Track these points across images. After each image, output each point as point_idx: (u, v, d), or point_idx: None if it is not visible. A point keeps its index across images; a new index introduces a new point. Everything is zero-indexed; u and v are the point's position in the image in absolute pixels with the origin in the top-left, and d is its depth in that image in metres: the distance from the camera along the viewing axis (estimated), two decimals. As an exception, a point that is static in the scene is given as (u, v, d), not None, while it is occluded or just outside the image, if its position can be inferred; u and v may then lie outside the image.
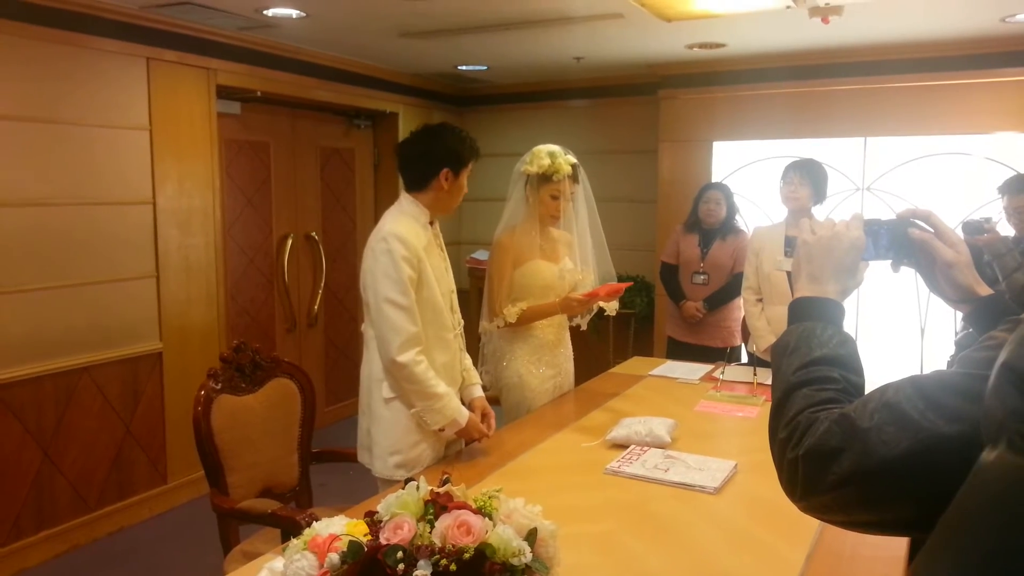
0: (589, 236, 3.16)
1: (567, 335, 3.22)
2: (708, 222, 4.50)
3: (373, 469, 2.51)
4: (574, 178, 3.01)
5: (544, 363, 3.06)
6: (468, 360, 2.73)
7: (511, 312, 2.94)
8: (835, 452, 0.88)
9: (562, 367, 3.17)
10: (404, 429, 2.44)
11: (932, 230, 1.13)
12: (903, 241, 1.14)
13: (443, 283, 2.54)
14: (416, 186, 2.51)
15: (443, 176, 2.47)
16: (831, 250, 1.12)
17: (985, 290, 1.11)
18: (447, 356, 2.54)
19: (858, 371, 1.03)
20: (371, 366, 2.48)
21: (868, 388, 0.98)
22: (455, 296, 2.64)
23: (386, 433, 2.46)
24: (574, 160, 3.01)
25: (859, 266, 1.13)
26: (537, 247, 3.04)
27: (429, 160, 2.47)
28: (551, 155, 2.93)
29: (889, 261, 1.16)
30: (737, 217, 4.63)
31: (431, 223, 2.55)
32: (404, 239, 2.36)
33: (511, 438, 2.67)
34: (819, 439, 0.90)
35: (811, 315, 1.09)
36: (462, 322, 2.69)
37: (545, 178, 2.94)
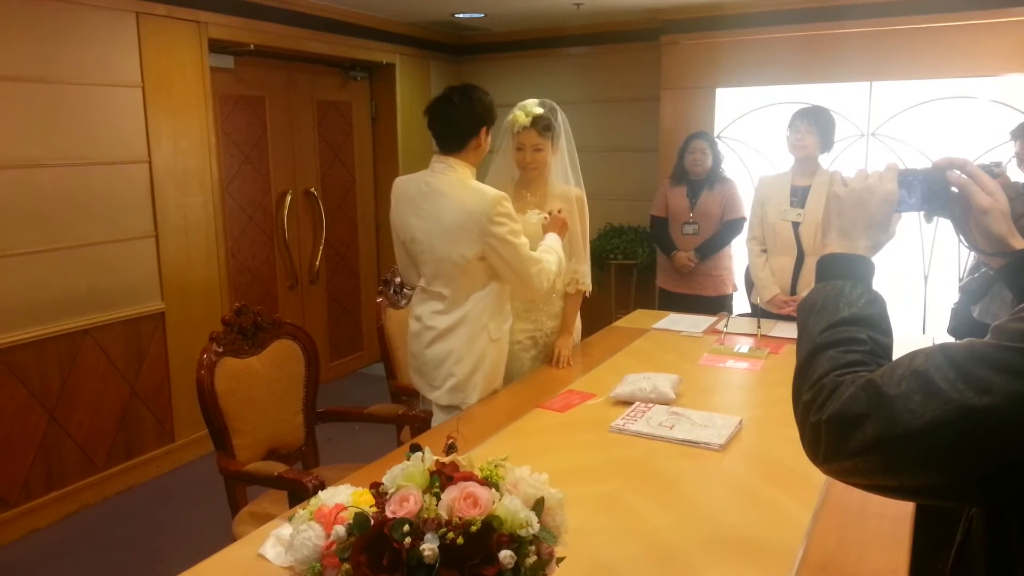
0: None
1: (552, 295, 3.02)
2: (695, 172, 4.51)
3: (466, 402, 2.64)
4: (540, 129, 2.85)
5: (512, 316, 2.84)
6: None
7: None
8: (859, 418, 0.86)
9: (543, 325, 3.02)
10: (497, 360, 2.72)
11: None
12: (938, 191, 1.10)
13: None
14: (456, 147, 2.61)
15: (483, 133, 2.62)
16: (864, 204, 1.08)
17: (1020, 242, 1.06)
18: None
19: (887, 331, 1.00)
20: (469, 322, 2.62)
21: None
22: None
23: (491, 368, 2.69)
24: (539, 111, 2.85)
25: (892, 219, 1.09)
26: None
27: (471, 119, 2.58)
28: (518, 107, 2.88)
29: (922, 212, 1.12)
30: (723, 165, 4.61)
31: None
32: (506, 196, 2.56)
33: (514, 396, 2.67)
34: (844, 404, 0.89)
35: (840, 272, 1.05)
36: None
37: (510, 132, 2.91)
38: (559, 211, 2.91)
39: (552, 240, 2.80)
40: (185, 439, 4.32)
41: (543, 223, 2.88)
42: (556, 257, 2.73)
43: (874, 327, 0.99)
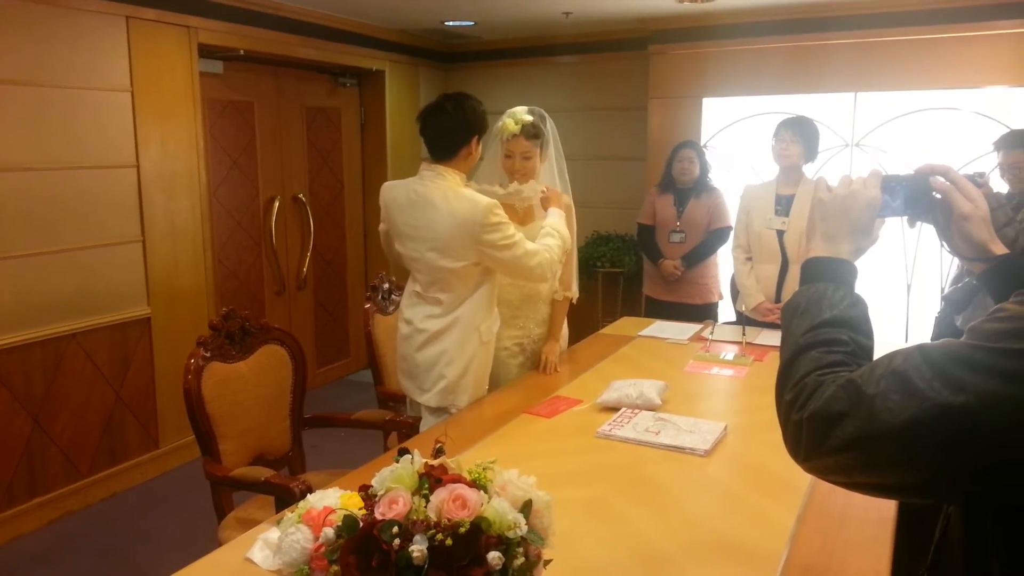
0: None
1: (539, 302, 3.06)
2: (682, 181, 4.56)
3: (456, 404, 2.67)
4: (529, 136, 2.87)
5: (499, 320, 2.88)
6: None
7: None
8: (839, 416, 0.88)
9: (530, 331, 3.04)
10: (484, 364, 2.76)
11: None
12: (920, 196, 1.12)
13: None
14: (447, 155, 2.63)
15: (474, 142, 2.64)
16: (847, 209, 1.11)
17: (1000, 249, 1.09)
18: None
19: (868, 333, 1.02)
20: (462, 324, 2.65)
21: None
22: None
23: (479, 370, 2.72)
24: (528, 118, 2.87)
25: (875, 224, 1.12)
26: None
27: (464, 128, 2.61)
28: (507, 114, 2.89)
29: (905, 218, 1.15)
30: (710, 175, 4.66)
31: None
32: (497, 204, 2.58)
33: (501, 402, 2.68)
34: (824, 403, 0.91)
35: (823, 276, 1.08)
36: None
37: (499, 139, 2.93)
38: (544, 189, 2.91)
39: (554, 219, 2.81)
40: (170, 445, 4.30)
41: (540, 195, 2.91)
42: (558, 240, 2.74)
43: (856, 329, 1.02)
